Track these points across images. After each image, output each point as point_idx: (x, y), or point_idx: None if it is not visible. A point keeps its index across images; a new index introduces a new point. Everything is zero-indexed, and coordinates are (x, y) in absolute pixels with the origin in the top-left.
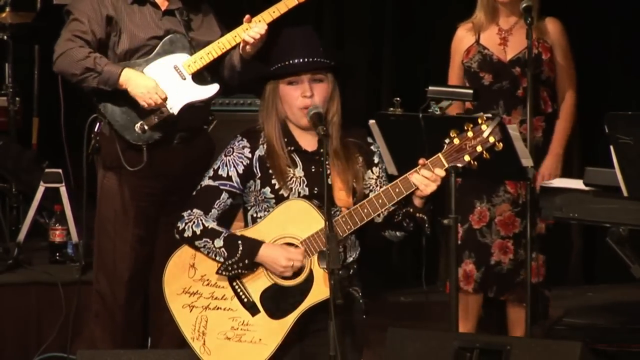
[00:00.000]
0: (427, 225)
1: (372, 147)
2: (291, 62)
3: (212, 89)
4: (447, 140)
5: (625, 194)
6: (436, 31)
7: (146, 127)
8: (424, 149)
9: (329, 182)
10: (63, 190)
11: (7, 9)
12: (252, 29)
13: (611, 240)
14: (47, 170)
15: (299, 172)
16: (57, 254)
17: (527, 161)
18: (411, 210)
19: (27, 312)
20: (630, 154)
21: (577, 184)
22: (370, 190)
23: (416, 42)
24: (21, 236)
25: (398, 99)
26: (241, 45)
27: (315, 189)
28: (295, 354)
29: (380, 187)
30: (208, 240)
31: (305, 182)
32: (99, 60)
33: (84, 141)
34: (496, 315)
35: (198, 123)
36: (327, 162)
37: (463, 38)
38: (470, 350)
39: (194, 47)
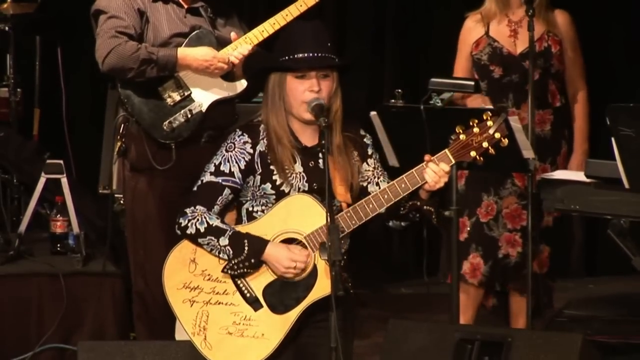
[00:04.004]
0: (433, 216)
1: (365, 140)
2: (301, 55)
3: (240, 85)
4: (453, 137)
5: (626, 186)
6: (437, 27)
7: (174, 125)
8: (426, 141)
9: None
10: (64, 181)
11: (9, 0)
12: (236, 50)
13: (612, 233)
14: (48, 161)
15: (298, 167)
16: (58, 245)
17: (528, 153)
18: (418, 203)
19: (28, 303)
20: (632, 146)
21: (579, 176)
22: (368, 183)
23: (417, 39)
24: (22, 227)
25: (399, 90)
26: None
27: (315, 184)
28: (291, 346)
29: (378, 177)
30: (213, 238)
31: (305, 178)
32: (150, 49)
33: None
34: (499, 306)
35: (225, 121)
36: (328, 154)
37: (472, 29)
38: (471, 342)
39: (220, 44)
